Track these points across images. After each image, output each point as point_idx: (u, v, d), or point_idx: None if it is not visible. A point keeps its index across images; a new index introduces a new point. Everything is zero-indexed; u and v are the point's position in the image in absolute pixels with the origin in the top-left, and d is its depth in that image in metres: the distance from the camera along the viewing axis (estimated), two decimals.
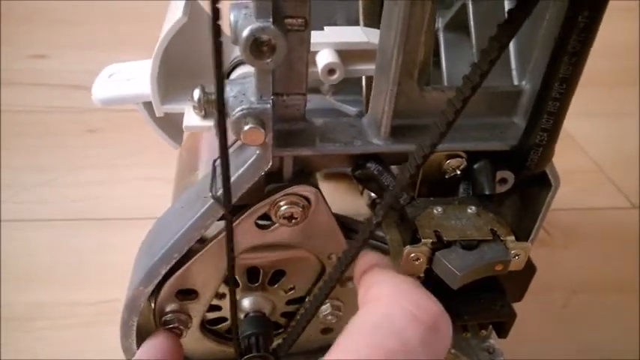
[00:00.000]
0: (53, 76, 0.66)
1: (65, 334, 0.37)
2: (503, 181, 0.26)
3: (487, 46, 0.17)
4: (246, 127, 0.20)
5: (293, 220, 0.25)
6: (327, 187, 0.50)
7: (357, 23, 0.33)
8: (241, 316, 0.29)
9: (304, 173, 0.25)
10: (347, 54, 0.26)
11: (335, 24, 0.34)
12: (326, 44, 0.26)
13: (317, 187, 0.25)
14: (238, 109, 0.20)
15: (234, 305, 0.25)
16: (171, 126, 0.26)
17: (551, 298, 0.41)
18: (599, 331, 0.39)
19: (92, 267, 0.41)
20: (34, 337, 0.36)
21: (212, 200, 0.23)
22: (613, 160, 0.56)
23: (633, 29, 0.79)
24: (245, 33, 0.19)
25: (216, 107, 0.18)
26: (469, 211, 0.24)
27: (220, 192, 0.23)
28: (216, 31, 0.15)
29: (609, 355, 0.37)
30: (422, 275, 0.26)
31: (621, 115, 0.64)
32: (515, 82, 0.25)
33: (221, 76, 0.18)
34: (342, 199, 0.42)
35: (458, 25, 0.34)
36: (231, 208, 0.21)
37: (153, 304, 0.28)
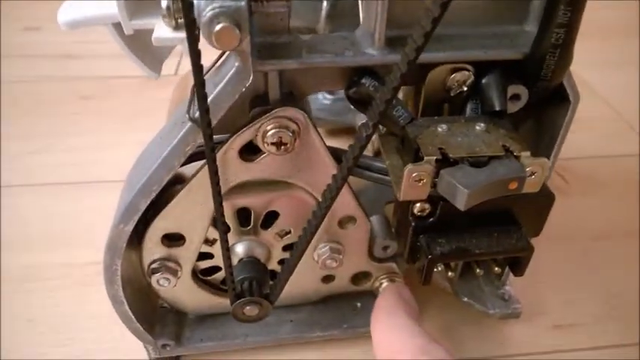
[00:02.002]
0: (47, 47, 0.66)
1: (60, 294, 0.36)
2: (516, 97, 0.23)
3: None
4: (218, 27, 0.18)
5: (282, 147, 0.22)
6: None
7: None
8: (235, 261, 0.27)
9: (293, 96, 0.23)
10: None
11: None
12: None
13: (307, 112, 0.23)
14: (209, 8, 0.18)
15: (227, 246, 0.23)
16: (147, 52, 0.24)
17: (571, 246, 0.38)
18: (620, 279, 0.36)
19: (87, 229, 0.40)
20: (28, 299, 0.36)
21: (190, 123, 0.21)
22: (633, 107, 0.52)
23: None
24: None
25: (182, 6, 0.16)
26: (477, 127, 0.22)
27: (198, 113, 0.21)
28: None
29: (631, 302, 0.35)
30: (427, 207, 0.24)
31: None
32: None
33: None
34: None
35: None
36: (210, 124, 0.18)
37: (139, 252, 0.26)
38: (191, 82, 0.18)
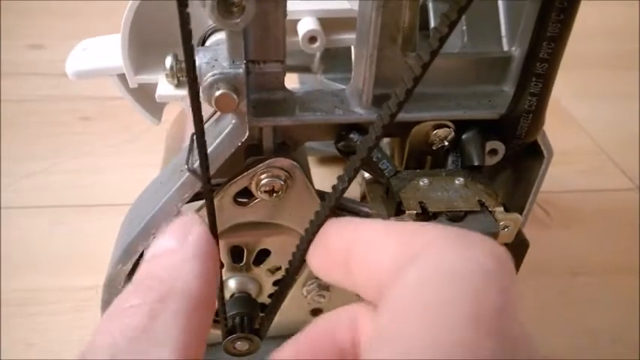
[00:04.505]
0: (48, 66, 0.66)
1: (60, 318, 0.36)
2: (494, 152, 0.25)
3: (447, 10, 0.16)
4: (218, 93, 0.19)
5: (274, 194, 0.24)
6: (321, 171, 0.49)
7: None
8: (227, 296, 0.29)
9: (286, 146, 0.24)
10: (330, 22, 0.25)
11: None
12: (307, 12, 0.25)
13: (296, 160, 0.24)
14: (210, 74, 0.19)
15: (221, 282, 0.25)
16: (149, 100, 0.26)
17: (551, 281, 0.40)
18: (599, 314, 0.38)
19: (87, 252, 0.41)
20: (29, 323, 0.36)
21: (188, 173, 0.22)
22: (615, 142, 0.54)
23: (634, 12, 0.77)
24: None
25: (187, 71, 0.17)
26: (456, 182, 0.23)
27: (197, 164, 0.22)
28: None
29: (609, 337, 0.36)
30: None
31: (623, 96, 0.62)
32: (505, 49, 0.24)
33: (188, 36, 0.17)
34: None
35: None
36: (209, 179, 0.20)
37: None
38: (189, 121, 0.19)
